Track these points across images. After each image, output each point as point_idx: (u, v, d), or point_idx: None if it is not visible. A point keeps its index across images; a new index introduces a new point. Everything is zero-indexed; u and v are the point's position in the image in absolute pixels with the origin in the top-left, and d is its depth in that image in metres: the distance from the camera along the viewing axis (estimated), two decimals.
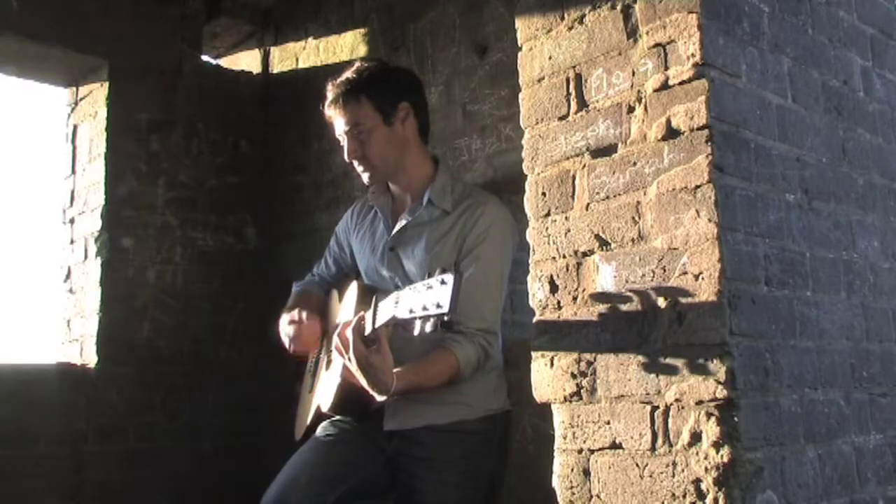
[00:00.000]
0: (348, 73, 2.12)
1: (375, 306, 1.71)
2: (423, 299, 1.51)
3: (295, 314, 2.22)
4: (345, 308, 2.16)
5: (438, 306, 1.47)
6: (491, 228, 2.04)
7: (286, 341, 2.22)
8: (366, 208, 2.32)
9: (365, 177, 2.15)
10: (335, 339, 1.83)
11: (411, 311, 1.54)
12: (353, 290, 2.13)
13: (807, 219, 1.68)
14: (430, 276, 1.53)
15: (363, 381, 1.79)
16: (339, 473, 2.00)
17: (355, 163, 2.13)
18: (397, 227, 2.14)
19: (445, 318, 1.48)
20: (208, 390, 4.11)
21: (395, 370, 1.80)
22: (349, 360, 1.77)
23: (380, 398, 1.82)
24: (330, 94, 2.12)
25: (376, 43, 3.89)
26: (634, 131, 1.60)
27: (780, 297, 1.56)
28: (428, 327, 1.52)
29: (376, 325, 1.70)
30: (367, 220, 2.28)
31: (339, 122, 2.11)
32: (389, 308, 1.63)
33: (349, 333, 1.76)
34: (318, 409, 2.12)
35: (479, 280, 1.99)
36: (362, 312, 1.77)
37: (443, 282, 1.48)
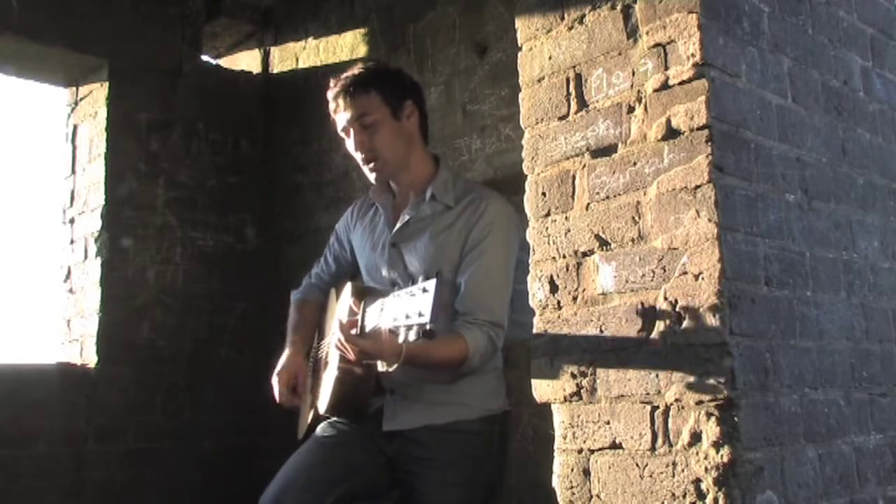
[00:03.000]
0: (355, 70, 2.11)
1: (363, 312, 1.74)
2: (406, 308, 1.52)
3: (283, 364, 2.23)
4: (340, 309, 2.16)
5: (420, 315, 1.48)
6: (495, 223, 2.04)
7: (275, 391, 2.24)
8: (366, 205, 2.32)
9: (372, 176, 2.12)
10: (334, 340, 1.85)
11: (395, 320, 1.56)
12: (347, 291, 2.14)
13: (807, 219, 1.68)
14: (413, 282, 1.54)
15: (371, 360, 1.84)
16: (337, 474, 2.00)
17: (361, 158, 2.10)
18: (400, 223, 2.14)
19: (427, 327, 1.48)
20: (208, 390, 4.11)
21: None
22: (352, 353, 1.81)
23: (391, 368, 1.86)
24: (336, 87, 2.09)
25: (376, 43, 3.89)
26: (634, 131, 1.60)
27: (780, 297, 1.56)
28: (411, 336, 1.53)
29: (365, 332, 1.75)
30: (368, 217, 2.29)
31: (344, 116, 2.08)
32: (375, 316, 1.66)
33: (342, 334, 1.80)
34: (316, 411, 2.13)
35: (484, 274, 2.00)
36: (355, 318, 1.80)
37: (424, 290, 1.49)
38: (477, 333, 1.95)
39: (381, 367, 1.85)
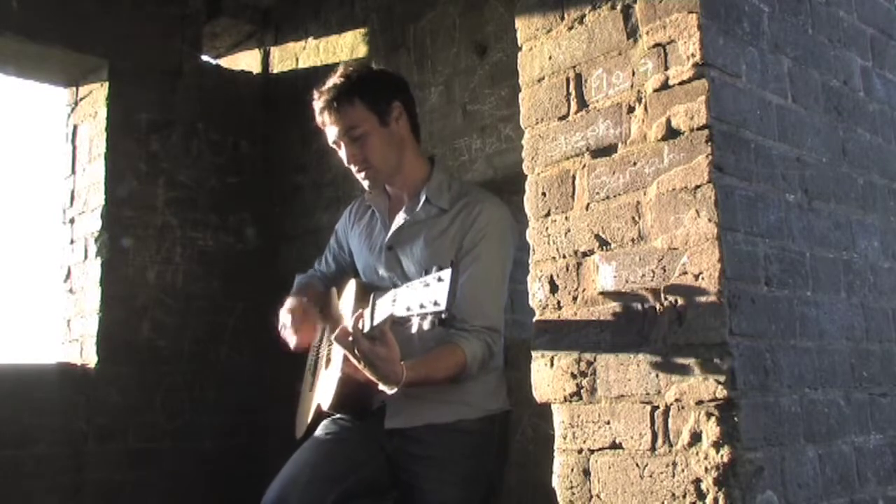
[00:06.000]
0: (335, 79, 2.08)
1: (373, 304, 1.72)
2: (421, 297, 1.51)
3: (293, 302, 2.19)
4: (344, 306, 2.16)
5: (436, 304, 1.47)
6: (489, 226, 2.04)
7: (284, 331, 2.19)
8: (363, 207, 2.32)
9: (366, 183, 2.12)
10: (336, 338, 1.83)
11: (409, 309, 1.54)
12: (351, 287, 2.14)
13: (807, 219, 1.68)
14: (426, 273, 1.52)
15: (372, 376, 1.78)
16: (339, 472, 2.00)
17: (355, 168, 2.10)
18: (395, 226, 2.14)
19: (443, 315, 1.48)
20: (208, 390, 4.10)
21: (403, 362, 1.80)
22: (355, 357, 1.76)
23: (390, 391, 1.81)
24: (321, 102, 2.07)
25: (376, 43, 3.89)
26: (634, 131, 1.60)
27: (780, 297, 1.56)
28: (426, 325, 1.53)
29: (374, 324, 1.70)
30: (365, 219, 2.29)
31: (333, 130, 2.07)
32: (387, 306, 1.64)
33: (350, 330, 1.75)
34: (319, 407, 2.13)
35: (480, 278, 2.00)
36: (361, 310, 1.77)
37: (440, 279, 1.48)
38: (474, 342, 1.95)
39: (381, 386, 1.82)
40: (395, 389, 1.79)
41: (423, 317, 1.52)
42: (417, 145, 2.20)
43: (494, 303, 2.04)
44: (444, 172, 2.20)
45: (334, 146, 2.12)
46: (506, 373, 2.16)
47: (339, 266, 2.40)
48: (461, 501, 2.00)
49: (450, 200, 2.10)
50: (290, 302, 2.22)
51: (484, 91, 3.32)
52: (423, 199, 2.10)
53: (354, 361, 1.77)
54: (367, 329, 1.73)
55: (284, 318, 2.19)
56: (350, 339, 1.74)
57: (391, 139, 2.09)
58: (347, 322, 1.79)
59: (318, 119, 2.10)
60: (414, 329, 1.56)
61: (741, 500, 1.38)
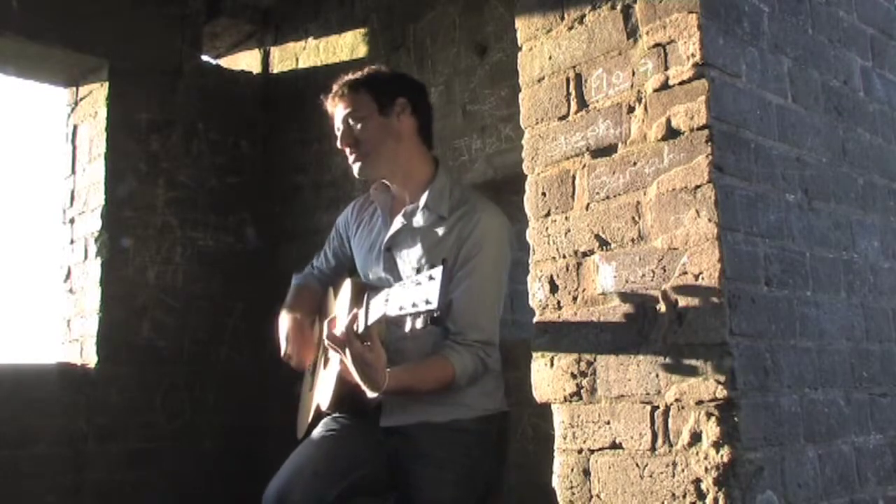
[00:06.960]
0: (353, 73, 2.19)
1: (367, 304, 1.73)
2: (413, 296, 1.52)
3: (288, 323, 2.26)
4: (339, 306, 2.16)
5: (427, 302, 1.48)
6: (486, 238, 2.04)
7: (284, 354, 2.26)
8: (367, 203, 2.33)
9: (356, 167, 2.15)
10: (328, 337, 1.85)
11: (401, 308, 1.55)
12: (346, 287, 2.14)
13: (807, 219, 1.68)
14: (418, 272, 1.53)
15: (357, 377, 1.81)
16: (342, 468, 2.01)
17: (347, 151, 2.15)
18: (393, 229, 2.14)
19: (435, 314, 1.49)
20: (208, 390, 4.11)
21: (388, 370, 1.82)
22: (346, 356, 1.79)
23: (371, 395, 1.83)
24: (332, 91, 2.17)
25: (376, 43, 3.89)
26: (634, 131, 1.60)
27: (780, 297, 1.56)
28: (418, 324, 1.53)
29: (368, 323, 1.72)
30: (367, 217, 2.30)
31: (337, 113, 2.16)
32: (380, 306, 1.65)
33: (344, 330, 1.77)
34: (318, 407, 2.13)
35: (475, 292, 2.00)
36: (356, 310, 1.78)
37: (431, 277, 1.49)
38: (465, 356, 1.96)
39: (363, 387, 1.84)
40: (376, 395, 1.82)
41: (415, 316, 1.53)
42: (424, 147, 2.20)
43: (489, 316, 2.04)
44: (447, 176, 2.19)
45: (337, 131, 2.16)
46: (506, 373, 2.16)
47: (338, 261, 2.41)
48: (458, 501, 2.00)
49: (449, 208, 2.10)
50: (284, 322, 2.28)
51: (484, 91, 3.32)
52: (422, 204, 2.10)
53: (345, 360, 1.80)
54: (361, 329, 1.74)
55: (282, 338, 2.27)
56: (344, 339, 1.76)
57: (388, 129, 2.12)
58: (342, 322, 1.80)
59: (328, 105, 2.19)
60: (407, 328, 1.57)
61: (741, 500, 1.39)
